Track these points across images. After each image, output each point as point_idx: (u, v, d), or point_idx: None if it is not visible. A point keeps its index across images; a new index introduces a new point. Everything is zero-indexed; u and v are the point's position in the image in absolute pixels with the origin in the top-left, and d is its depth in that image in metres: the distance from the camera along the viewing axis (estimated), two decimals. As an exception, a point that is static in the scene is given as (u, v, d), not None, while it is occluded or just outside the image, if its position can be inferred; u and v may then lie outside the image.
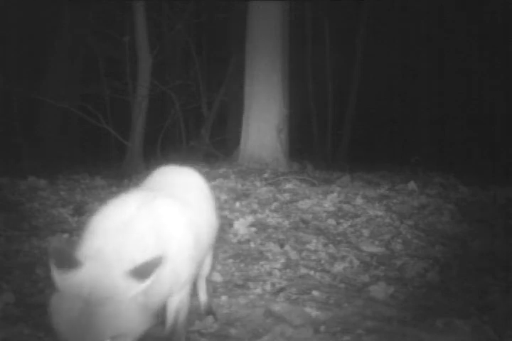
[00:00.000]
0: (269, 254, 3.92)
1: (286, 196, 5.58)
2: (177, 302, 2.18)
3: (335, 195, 5.56)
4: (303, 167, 7.76)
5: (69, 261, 1.67)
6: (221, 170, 6.82)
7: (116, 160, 9.57)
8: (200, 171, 2.79)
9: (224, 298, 3.07)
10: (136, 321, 1.68)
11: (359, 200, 5.38)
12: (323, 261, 3.82)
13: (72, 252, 1.75)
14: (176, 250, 1.98)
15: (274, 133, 7.62)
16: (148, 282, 1.67)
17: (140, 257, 1.74)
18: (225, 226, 4.40)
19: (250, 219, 4.63)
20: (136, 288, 1.66)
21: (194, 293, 2.85)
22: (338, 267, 3.69)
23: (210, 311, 2.85)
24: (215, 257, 2.97)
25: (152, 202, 2.02)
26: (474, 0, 13.82)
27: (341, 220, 4.82)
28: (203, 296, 2.89)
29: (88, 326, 1.58)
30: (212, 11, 11.40)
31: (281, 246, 4.08)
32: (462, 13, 14.39)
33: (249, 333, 2.65)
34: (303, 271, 3.60)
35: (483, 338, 2.64)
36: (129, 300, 1.65)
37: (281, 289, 3.25)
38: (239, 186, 5.94)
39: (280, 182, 6.21)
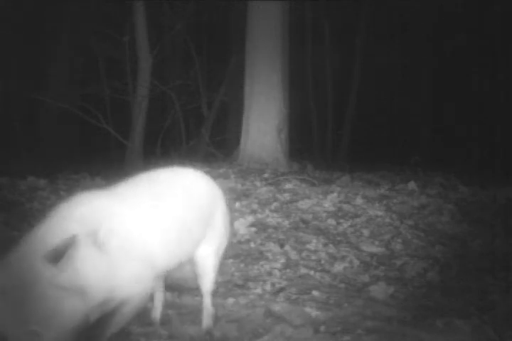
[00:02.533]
0: (269, 254, 3.92)
1: (286, 196, 5.57)
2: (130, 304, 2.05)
3: (335, 195, 5.56)
4: (303, 167, 7.76)
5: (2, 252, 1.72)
6: (221, 170, 6.82)
7: (116, 160, 9.56)
8: (207, 175, 2.65)
9: (224, 298, 3.06)
10: (62, 304, 1.68)
11: (359, 200, 5.37)
12: (323, 261, 3.82)
13: (8, 244, 1.79)
14: (116, 245, 1.93)
15: (274, 133, 7.62)
16: (63, 265, 1.67)
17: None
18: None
19: (250, 219, 4.63)
20: (53, 272, 1.66)
21: (195, 293, 2.85)
22: (338, 267, 3.69)
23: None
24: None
25: (87, 198, 2.01)
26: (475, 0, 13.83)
27: (341, 220, 4.82)
28: (205, 321, 2.61)
29: (9, 314, 1.61)
30: (212, 11, 11.40)
31: (281, 246, 4.08)
32: (462, 12, 14.40)
33: (249, 333, 2.65)
34: (303, 271, 3.60)
35: (483, 338, 2.64)
36: (49, 286, 1.66)
37: (281, 289, 3.25)
38: (239, 186, 5.94)
39: (280, 182, 6.20)
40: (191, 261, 2.51)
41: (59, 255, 1.68)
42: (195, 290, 2.81)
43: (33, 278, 1.65)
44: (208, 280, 2.56)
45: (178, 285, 2.79)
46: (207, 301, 2.60)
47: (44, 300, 1.66)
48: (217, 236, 2.53)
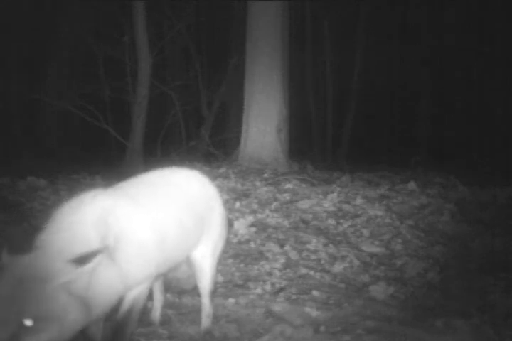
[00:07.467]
0: (269, 254, 3.92)
1: (286, 196, 5.57)
2: (135, 294, 2.14)
3: (335, 195, 5.55)
4: (303, 167, 7.76)
5: (21, 248, 1.80)
6: (221, 170, 6.82)
7: (116, 160, 9.56)
8: (201, 172, 2.67)
9: (224, 298, 3.06)
10: (64, 310, 1.71)
11: (359, 200, 5.37)
12: (323, 261, 3.82)
13: (28, 241, 1.89)
14: (125, 248, 1.98)
15: (274, 133, 7.62)
16: (83, 268, 1.75)
17: (79, 250, 1.82)
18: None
19: (250, 219, 4.63)
20: (69, 273, 1.73)
21: (195, 293, 2.85)
22: (338, 267, 3.69)
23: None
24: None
25: (95, 200, 2.03)
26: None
27: (341, 220, 4.82)
28: (204, 321, 2.65)
29: (12, 301, 1.64)
30: (213, 11, 11.40)
31: (281, 246, 4.08)
32: (462, 11, 14.41)
33: (249, 333, 2.66)
34: (303, 271, 3.60)
35: (483, 338, 2.64)
36: (59, 286, 1.71)
37: (281, 289, 3.25)
38: (239, 186, 5.94)
39: (280, 182, 6.20)
40: (188, 262, 2.52)
41: (83, 259, 1.77)
42: (195, 291, 2.81)
43: (49, 276, 1.71)
44: (205, 281, 2.58)
45: (169, 285, 2.79)
46: (205, 301, 2.62)
47: (50, 301, 1.69)
48: (213, 237, 2.55)
